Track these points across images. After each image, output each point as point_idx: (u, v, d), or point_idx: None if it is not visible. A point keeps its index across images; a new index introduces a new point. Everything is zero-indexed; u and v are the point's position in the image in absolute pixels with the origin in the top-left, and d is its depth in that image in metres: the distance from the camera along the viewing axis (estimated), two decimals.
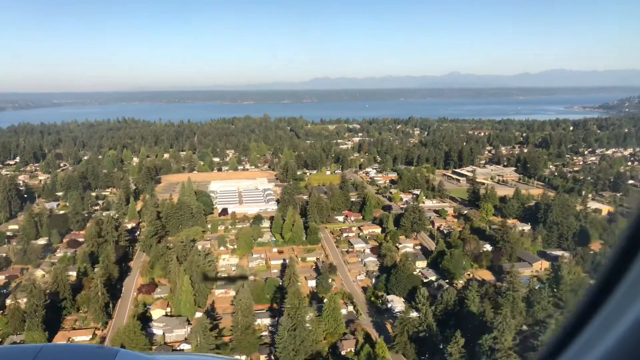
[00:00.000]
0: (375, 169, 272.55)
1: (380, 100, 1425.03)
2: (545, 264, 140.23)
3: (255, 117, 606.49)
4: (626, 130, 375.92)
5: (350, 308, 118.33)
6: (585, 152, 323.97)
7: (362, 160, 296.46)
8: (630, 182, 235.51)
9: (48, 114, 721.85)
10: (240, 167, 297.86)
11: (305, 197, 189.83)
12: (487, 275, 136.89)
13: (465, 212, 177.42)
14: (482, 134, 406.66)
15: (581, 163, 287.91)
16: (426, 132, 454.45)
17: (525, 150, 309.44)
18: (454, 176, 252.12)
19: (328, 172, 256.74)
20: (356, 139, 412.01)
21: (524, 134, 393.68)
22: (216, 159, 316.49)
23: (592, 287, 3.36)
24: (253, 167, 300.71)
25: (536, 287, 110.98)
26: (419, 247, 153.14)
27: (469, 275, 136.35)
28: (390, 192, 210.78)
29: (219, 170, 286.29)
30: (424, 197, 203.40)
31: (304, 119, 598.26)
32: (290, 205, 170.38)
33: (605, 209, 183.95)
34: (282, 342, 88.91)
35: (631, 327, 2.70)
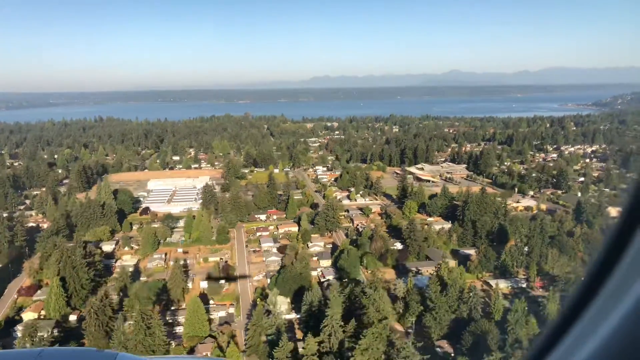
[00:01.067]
0: (327, 166, 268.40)
1: (377, 99, 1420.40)
2: (452, 263, 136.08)
3: (236, 116, 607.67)
4: (596, 127, 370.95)
5: (232, 309, 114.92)
6: (550, 149, 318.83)
7: (316, 158, 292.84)
8: (581, 179, 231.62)
9: (39, 113, 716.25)
10: (195, 166, 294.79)
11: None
12: (390, 275, 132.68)
13: (387, 209, 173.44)
14: (456, 131, 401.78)
15: (541, 160, 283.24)
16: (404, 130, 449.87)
17: (488, 147, 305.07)
18: (402, 173, 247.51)
19: (276, 170, 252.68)
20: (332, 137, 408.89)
21: (498, 132, 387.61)
22: (176, 157, 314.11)
23: (578, 288, 3.27)
24: (209, 165, 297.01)
25: (412, 288, 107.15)
26: (330, 246, 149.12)
27: (370, 274, 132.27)
28: (325, 190, 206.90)
29: (171, 168, 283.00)
30: (358, 195, 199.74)
31: (285, 117, 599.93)
32: (209, 204, 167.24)
33: (535, 206, 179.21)
34: (118, 347, 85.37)
35: (617, 327, 2.70)
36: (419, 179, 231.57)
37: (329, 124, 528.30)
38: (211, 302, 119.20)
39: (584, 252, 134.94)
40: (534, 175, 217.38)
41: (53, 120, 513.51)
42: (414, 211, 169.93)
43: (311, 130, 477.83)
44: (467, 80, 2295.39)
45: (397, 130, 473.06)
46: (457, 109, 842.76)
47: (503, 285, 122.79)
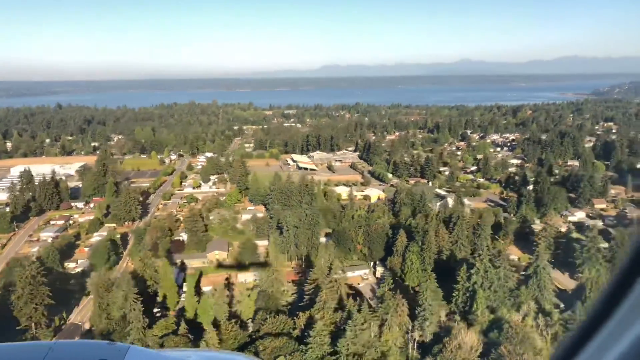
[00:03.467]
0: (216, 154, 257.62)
1: (378, 88, 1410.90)
2: (223, 255, 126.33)
3: (203, 103, 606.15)
4: (536, 115, 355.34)
5: None
6: (477, 137, 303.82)
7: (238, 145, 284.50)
8: (473, 167, 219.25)
9: (37, 101, 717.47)
10: None
11: None
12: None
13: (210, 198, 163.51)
14: (392, 119, 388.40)
15: (454, 148, 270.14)
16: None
17: (401, 135, 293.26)
18: (290, 161, 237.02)
19: (160, 156, 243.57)
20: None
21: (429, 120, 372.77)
22: (95, 144, 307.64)
23: (603, 293, 3.22)
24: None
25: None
26: (119, 236, 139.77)
27: (130, 265, 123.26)
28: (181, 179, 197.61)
29: (69, 154, 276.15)
30: (210, 183, 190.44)
31: (253, 104, 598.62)
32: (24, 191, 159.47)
33: (376, 195, 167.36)
34: None
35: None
36: (299, 167, 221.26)
37: (286, 112, 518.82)
38: None
39: (363, 243, 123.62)
40: (405, 163, 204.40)
41: (12, 108, 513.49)
42: (235, 199, 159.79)
43: (264, 118, 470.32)
44: (477, 70, 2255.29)
45: (356, 117, 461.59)
46: (449, 97, 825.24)
47: (252, 279, 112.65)
